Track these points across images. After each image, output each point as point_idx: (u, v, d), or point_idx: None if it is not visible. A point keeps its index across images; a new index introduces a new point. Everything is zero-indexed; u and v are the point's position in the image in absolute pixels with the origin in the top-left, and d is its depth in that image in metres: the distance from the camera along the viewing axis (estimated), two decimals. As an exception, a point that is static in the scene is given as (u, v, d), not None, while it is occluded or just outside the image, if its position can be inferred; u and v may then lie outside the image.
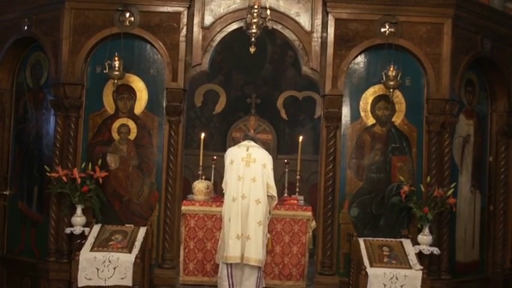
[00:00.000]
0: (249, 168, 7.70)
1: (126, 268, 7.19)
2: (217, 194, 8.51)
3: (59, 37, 7.86)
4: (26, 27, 8.20)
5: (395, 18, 7.78)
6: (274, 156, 8.16)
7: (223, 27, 7.94)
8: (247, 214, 7.60)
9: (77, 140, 7.83)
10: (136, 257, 7.24)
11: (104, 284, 7.17)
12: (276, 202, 7.90)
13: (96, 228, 7.66)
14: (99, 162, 7.77)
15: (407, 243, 7.59)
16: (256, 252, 7.56)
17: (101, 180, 7.66)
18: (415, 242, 7.58)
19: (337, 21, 7.83)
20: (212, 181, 8.55)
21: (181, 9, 7.85)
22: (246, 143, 7.92)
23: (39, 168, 8.13)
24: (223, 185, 7.78)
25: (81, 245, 7.45)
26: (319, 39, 7.89)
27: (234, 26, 7.92)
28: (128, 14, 7.81)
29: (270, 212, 7.84)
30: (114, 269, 7.19)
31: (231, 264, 7.61)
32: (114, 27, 7.80)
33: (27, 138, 8.42)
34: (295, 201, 8.25)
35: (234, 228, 7.57)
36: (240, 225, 7.58)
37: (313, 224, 8.04)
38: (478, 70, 8.50)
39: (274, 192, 7.80)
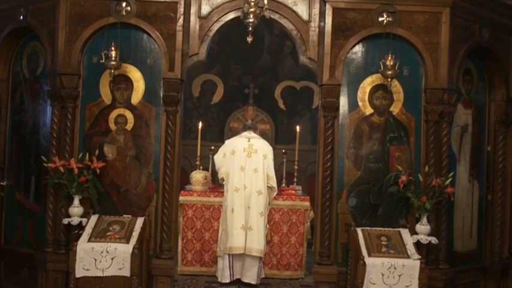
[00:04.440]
0: (250, 159, 7.77)
1: (124, 258, 7.18)
2: (215, 184, 8.50)
3: (55, 27, 7.82)
4: (22, 17, 8.15)
5: (393, 7, 7.74)
6: (272, 146, 8.15)
7: (221, 17, 7.90)
8: (249, 205, 7.65)
9: (73, 131, 7.81)
10: (134, 248, 7.23)
11: (101, 275, 7.17)
12: (275, 193, 7.95)
13: (94, 218, 7.65)
14: (97, 152, 7.75)
15: (405, 232, 7.59)
16: (258, 243, 7.63)
17: (98, 170, 7.65)
18: (413, 232, 7.58)
19: (334, 10, 7.79)
20: (210, 171, 8.55)
21: (178, -2, 7.82)
22: (246, 133, 7.97)
23: (36, 159, 8.11)
24: (223, 176, 7.79)
25: (79, 236, 7.44)
26: (317, 29, 7.86)
27: (231, 15, 7.88)
28: (124, 4, 7.77)
29: (269, 203, 7.88)
30: (112, 259, 7.19)
31: (232, 254, 7.63)
32: (110, 17, 7.75)
33: (24, 128, 8.40)
34: (293, 191, 8.25)
35: (238, 219, 7.63)
36: (243, 216, 7.61)
37: (311, 214, 8.05)
38: (476, 59, 8.48)
39: (274, 183, 7.86)
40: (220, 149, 7.98)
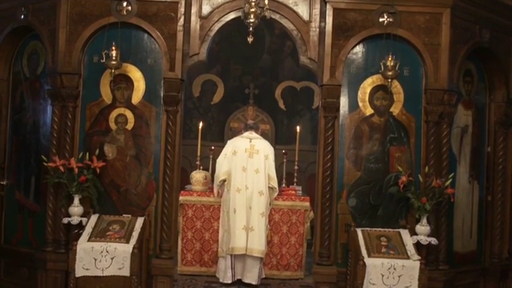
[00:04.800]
0: (252, 160, 7.79)
1: (124, 258, 7.18)
2: (215, 184, 8.51)
3: (55, 26, 7.82)
4: (22, 16, 8.15)
5: (393, 8, 7.74)
6: (272, 146, 8.15)
7: (221, 17, 7.91)
8: (250, 205, 7.66)
9: (74, 130, 7.81)
10: (134, 247, 7.23)
11: (101, 274, 7.17)
12: (276, 193, 7.96)
13: (94, 218, 7.65)
14: (97, 152, 7.75)
15: (405, 233, 7.59)
16: (259, 244, 7.64)
17: (98, 170, 7.65)
18: (413, 233, 7.58)
19: (335, 10, 7.79)
20: (210, 171, 8.56)
21: (178, -2, 7.83)
22: (248, 134, 7.99)
23: (36, 158, 8.11)
24: (225, 177, 7.77)
25: (79, 235, 7.44)
26: (317, 29, 7.86)
27: (232, 15, 7.89)
28: (125, 3, 7.77)
29: (270, 203, 7.88)
30: (112, 259, 7.19)
31: (234, 255, 7.64)
32: (111, 16, 7.76)
33: (24, 128, 8.40)
34: (293, 192, 8.25)
35: (240, 220, 7.65)
36: (245, 217, 7.62)
37: (311, 214, 8.05)
38: (477, 60, 8.48)
39: (275, 183, 7.87)
40: (222, 151, 7.99)
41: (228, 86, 11.74)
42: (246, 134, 8.01)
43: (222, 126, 11.69)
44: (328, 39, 7.78)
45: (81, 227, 7.57)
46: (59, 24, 7.78)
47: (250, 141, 7.89)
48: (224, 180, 7.82)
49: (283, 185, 8.52)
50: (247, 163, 7.79)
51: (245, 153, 7.82)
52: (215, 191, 8.01)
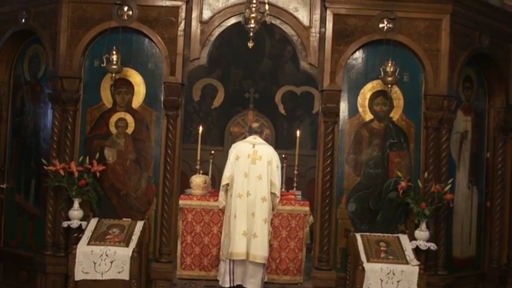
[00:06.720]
0: (254, 166, 7.76)
1: (123, 262, 7.19)
2: (214, 188, 8.52)
3: (56, 30, 7.84)
4: (23, 20, 8.18)
5: (393, 13, 7.78)
6: (276, 152, 8.10)
7: (222, 22, 7.93)
8: (253, 212, 7.64)
9: (74, 134, 7.83)
10: (133, 251, 7.24)
11: (100, 278, 7.18)
12: (278, 200, 7.89)
13: (94, 222, 7.65)
14: (97, 156, 7.77)
15: (404, 238, 7.60)
16: (262, 250, 7.64)
17: (98, 174, 7.66)
18: (412, 238, 7.60)
19: (335, 16, 7.82)
20: (210, 175, 8.56)
21: (179, 3, 7.83)
22: (251, 139, 7.94)
23: (36, 162, 8.12)
24: (227, 182, 7.77)
25: (78, 239, 7.45)
26: (318, 35, 7.88)
27: (233, 20, 7.91)
28: (126, 8, 7.80)
29: (273, 208, 7.87)
30: (111, 262, 7.19)
31: (233, 260, 7.63)
32: (112, 21, 7.78)
33: (25, 131, 8.41)
34: (293, 196, 8.26)
35: (240, 225, 7.63)
36: (246, 222, 7.61)
37: (311, 219, 8.05)
38: (476, 66, 8.51)
39: (277, 190, 7.82)
40: (229, 153, 7.98)
41: (228, 91, 11.75)
42: (250, 138, 7.97)
43: (222, 130, 11.70)
44: (328, 44, 7.81)
45: (80, 230, 7.58)
46: (60, 28, 7.81)
47: (254, 147, 7.85)
48: (227, 185, 7.82)
49: (283, 190, 8.51)
50: (250, 169, 7.75)
51: (248, 159, 7.78)
52: (220, 194, 7.99)
